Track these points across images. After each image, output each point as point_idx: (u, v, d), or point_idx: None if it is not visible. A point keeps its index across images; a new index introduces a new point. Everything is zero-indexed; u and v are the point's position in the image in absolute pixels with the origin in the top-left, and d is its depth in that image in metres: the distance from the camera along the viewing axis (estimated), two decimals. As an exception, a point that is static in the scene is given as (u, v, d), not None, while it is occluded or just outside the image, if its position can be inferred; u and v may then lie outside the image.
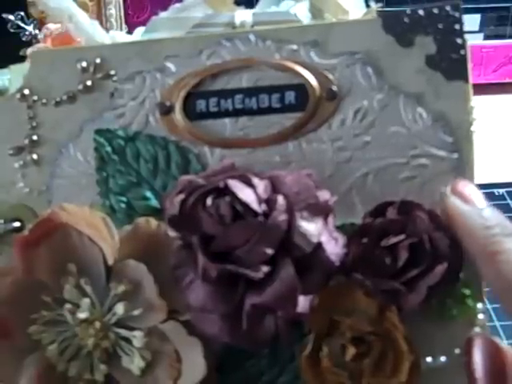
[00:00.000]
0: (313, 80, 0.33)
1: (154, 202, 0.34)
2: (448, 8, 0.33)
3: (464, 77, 0.33)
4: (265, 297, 0.29)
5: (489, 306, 0.33)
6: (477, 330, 0.32)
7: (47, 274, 0.32)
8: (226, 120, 0.34)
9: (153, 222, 0.32)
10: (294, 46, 0.34)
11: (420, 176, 0.33)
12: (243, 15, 0.37)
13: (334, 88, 0.33)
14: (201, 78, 0.34)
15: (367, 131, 0.33)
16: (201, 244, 0.29)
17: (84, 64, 0.35)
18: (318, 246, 0.29)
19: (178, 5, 0.36)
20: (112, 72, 0.35)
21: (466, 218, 0.30)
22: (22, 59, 0.37)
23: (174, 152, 0.34)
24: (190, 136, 0.34)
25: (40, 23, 0.56)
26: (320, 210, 0.29)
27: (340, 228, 0.31)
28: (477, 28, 0.96)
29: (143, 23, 0.36)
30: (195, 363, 0.31)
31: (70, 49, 0.37)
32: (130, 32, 0.38)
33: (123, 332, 0.32)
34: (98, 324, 0.32)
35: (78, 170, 0.35)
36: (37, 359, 0.32)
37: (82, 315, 0.32)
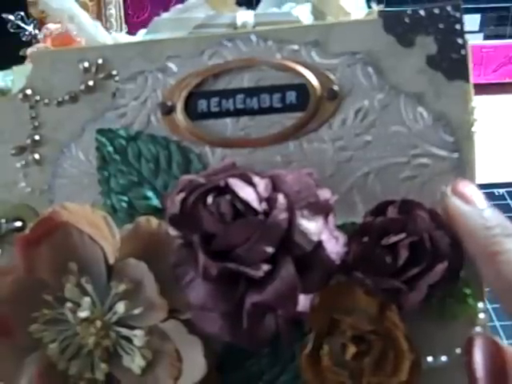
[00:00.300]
0: (314, 80, 0.33)
1: (155, 202, 0.34)
2: (449, 8, 0.33)
3: (465, 77, 0.33)
4: (265, 295, 0.29)
5: (489, 306, 0.33)
6: (477, 329, 0.32)
7: (48, 273, 0.32)
8: (228, 120, 0.34)
9: (154, 221, 0.32)
10: (295, 46, 0.34)
11: (421, 175, 0.33)
12: (245, 16, 0.37)
13: (335, 88, 0.33)
14: (202, 78, 0.34)
15: (368, 131, 0.33)
16: (201, 242, 0.29)
17: (86, 64, 0.35)
18: (319, 245, 0.29)
19: (179, 6, 0.36)
20: (114, 72, 0.35)
21: (467, 218, 0.30)
22: (22, 59, 0.37)
23: (175, 152, 0.35)
24: (192, 136, 0.34)
25: (40, 23, 0.56)
26: (320, 209, 0.29)
27: (341, 227, 0.31)
28: (477, 28, 0.96)
29: (143, 23, 0.37)
30: (195, 362, 0.31)
31: (72, 49, 0.37)
32: (129, 32, 0.39)
33: (124, 331, 0.32)
34: (98, 323, 0.32)
35: (79, 170, 0.36)
36: (37, 358, 0.32)
37: (82, 314, 0.32)
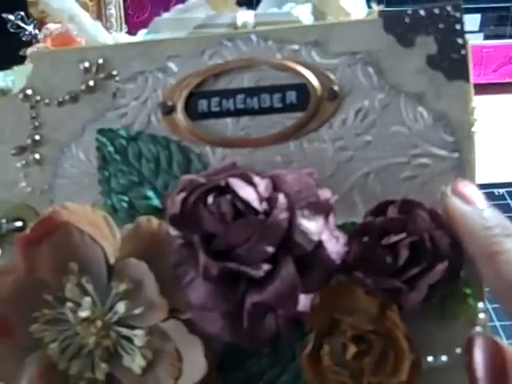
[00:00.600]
0: (314, 80, 0.33)
1: (156, 202, 0.34)
2: (449, 8, 0.33)
3: (465, 77, 0.33)
4: (265, 295, 0.29)
5: (489, 306, 0.33)
6: (478, 329, 0.32)
7: (49, 273, 0.32)
8: (228, 120, 0.34)
9: (154, 221, 0.32)
10: (296, 46, 0.34)
11: (421, 175, 0.33)
12: (245, 16, 0.37)
13: (335, 88, 0.33)
14: (203, 77, 0.34)
15: (368, 131, 0.33)
16: (202, 242, 0.29)
17: (86, 64, 0.35)
18: (319, 245, 0.29)
19: (180, 6, 0.36)
20: (114, 72, 0.35)
21: (467, 218, 0.30)
22: (22, 59, 0.37)
23: (175, 152, 0.35)
24: (192, 136, 0.34)
25: (40, 23, 0.56)
26: (321, 209, 0.29)
27: (341, 227, 0.31)
28: (477, 28, 0.96)
29: (143, 23, 0.37)
30: (196, 362, 0.31)
31: (72, 49, 0.37)
32: (129, 32, 0.39)
33: (124, 331, 0.32)
34: (99, 323, 0.32)
35: (80, 170, 0.36)
36: (38, 358, 0.32)
37: (83, 314, 0.32)
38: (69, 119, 0.35)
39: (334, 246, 0.30)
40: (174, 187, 0.32)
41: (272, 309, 0.30)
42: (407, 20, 0.33)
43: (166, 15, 0.36)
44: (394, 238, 0.30)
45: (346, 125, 0.34)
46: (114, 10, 0.58)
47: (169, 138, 0.35)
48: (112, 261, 0.32)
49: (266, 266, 0.29)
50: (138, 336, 0.31)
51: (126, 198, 0.35)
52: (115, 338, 0.32)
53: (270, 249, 0.29)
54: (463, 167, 0.33)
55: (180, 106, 0.34)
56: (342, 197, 0.33)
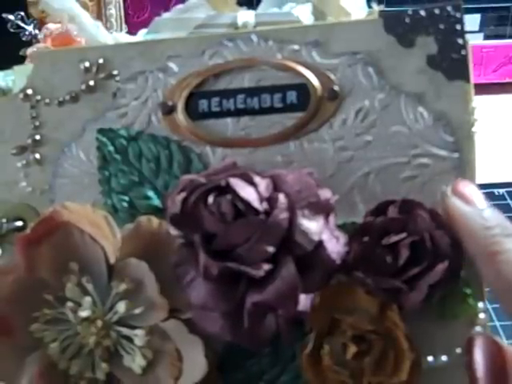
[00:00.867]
0: (314, 80, 0.33)
1: (156, 202, 0.34)
2: (449, 8, 0.33)
3: (465, 77, 0.33)
4: (266, 295, 0.29)
5: (489, 306, 0.33)
6: (478, 329, 0.32)
7: (49, 273, 0.32)
8: (228, 120, 0.34)
9: (154, 221, 0.32)
10: (296, 46, 0.34)
11: (421, 175, 0.33)
12: (245, 16, 0.37)
13: (336, 88, 0.33)
14: (203, 77, 0.34)
15: (368, 131, 0.33)
16: (202, 242, 0.29)
17: (87, 64, 0.35)
18: (319, 245, 0.29)
19: (180, 6, 0.36)
20: (114, 72, 0.35)
21: (467, 218, 0.30)
22: (22, 59, 0.37)
23: (175, 151, 0.35)
24: (192, 136, 0.34)
25: (40, 23, 0.56)
26: (321, 209, 0.29)
27: (341, 227, 0.31)
28: (477, 28, 0.96)
29: (143, 23, 0.37)
30: (196, 362, 0.31)
31: (72, 49, 0.37)
32: (129, 32, 0.39)
33: (125, 330, 0.32)
34: (99, 322, 0.32)
35: (80, 170, 0.36)
36: (38, 357, 0.32)
37: (83, 314, 0.32)
38: (69, 119, 0.35)
39: (335, 245, 0.30)
40: (175, 187, 0.32)
41: (272, 309, 0.30)
42: (407, 20, 0.33)
43: (166, 15, 0.36)
44: (394, 238, 0.30)
45: (347, 125, 0.34)
46: (114, 9, 0.58)
47: (169, 138, 0.35)
48: (112, 260, 0.32)
49: (266, 266, 0.29)
50: (139, 336, 0.31)
51: (126, 198, 0.35)
52: (115, 338, 0.32)
53: (271, 249, 0.29)
54: (463, 167, 0.33)
55: (180, 105, 0.34)
56: (343, 197, 0.33)
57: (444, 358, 0.32)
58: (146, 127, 0.35)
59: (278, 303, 0.29)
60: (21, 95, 0.36)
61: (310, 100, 0.34)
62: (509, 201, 0.78)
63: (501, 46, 0.96)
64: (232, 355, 0.33)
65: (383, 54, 0.33)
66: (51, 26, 0.40)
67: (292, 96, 0.34)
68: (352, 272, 0.30)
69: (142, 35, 0.38)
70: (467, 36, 0.33)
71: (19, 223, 0.36)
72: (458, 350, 0.32)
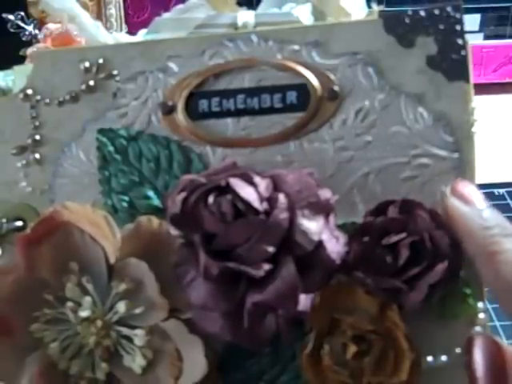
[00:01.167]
0: (314, 80, 0.33)
1: (156, 202, 0.34)
2: (449, 9, 0.33)
3: (465, 77, 0.33)
4: (266, 295, 0.29)
5: (489, 306, 0.33)
6: (477, 329, 0.32)
7: (49, 273, 0.32)
8: (228, 120, 0.34)
9: (155, 221, 0.32)
10: (296, 47, 0.34)
11: (421, 175, 0.33)
12: (245, 16, 0.37)
13: (336, 88, 0.33)
14: (203, 78, 0.34)
15: (368, 131, 0.33)
16: (202, 242, 0.29)
17: (87, 64, 0.35)
18: (319, 245, 0.29)
19: (180, 6, 0.36)
20: (115, 72, 0.35)
21: (466, 218, 0.30)
22: (22, 59, 0.37)
23: (175, 152, 0.35)
24: (192, 136, 0.34)
25: (40, 23, 0.56)
26: (321, 209, 0.29)
27: (341, 227, 0.31)
28: (477, 28, 0.97)
29: (143, 23, 0.37)
30: (196, 362, 0.31)
31: (72, 49, 0.37)
32: (129, 32, 0.39)
33: (125, 330, 0.32)
34: (99, 322, 0.32)
35: (80, 170, 0.36)
36: (38, 357, 0.32)
37: (83, 313, 0.32)
38: (69, 119, 0.35)
39: (335, 245, 0.30)
40: (175, 187, 0.32)
41: (272, 309, 0.30)
42: (407, 20, 0.33)
43: (166, 15, 0.36)
44: (394, 238, 0.30)
45: (347, 125, 0.34)
46: (114, 9, 0.58)
47: (169, 138, 0.35)
48: (112, 260, 0.32)
49: (266, 266, 0.29)
50: (139, 336, 0.31)
51: (126, 198, 0.35)
52: (115, 338, 0.32)
53: (271, 249, 0.29)
54: (463, 167, 0.33)
55: (180, 105, 0.34)
56: (343, 197, 0.33)
57: (444, 357, 0.32)
58: (146, 127, 0.35)
59: (278, 303, 0.29)
60: (21, 95, 0.36)
61: (310, 100, 0.34)
62: (509, 201, 0.78)
63: (501, 45, 0.96)
64: (232, 355, 0.33)
65: (383, 55, 0.33)
66: (51, 25, 0.40)
67: (292, 96, 0.34)
68: (352, 272, 0.30)
69: (142, 35, 0.38)
70: (467, 36, 0.33)
71: (19, 223, 0.36)
72: (458, 350, 0.32)
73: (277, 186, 0.30)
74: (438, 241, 0.30)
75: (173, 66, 0.35)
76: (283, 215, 0.29)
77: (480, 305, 0.32)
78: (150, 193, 0.35)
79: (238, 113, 0.34)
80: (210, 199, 0.29)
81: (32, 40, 0.56)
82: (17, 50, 0.43)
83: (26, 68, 0.36)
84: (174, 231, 0.30)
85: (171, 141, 0.35)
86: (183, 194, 0.30)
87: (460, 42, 0.33)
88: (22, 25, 0.56)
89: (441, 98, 0.33)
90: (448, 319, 0.32)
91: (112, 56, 0.35)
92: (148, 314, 0.31)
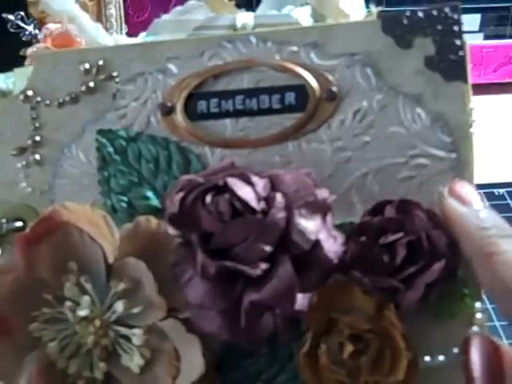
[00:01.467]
0: (313, 81, 0.34)
1: (155, 202, 0.35)
2: (447, 10, 0.33)
3: (463, 78, 0.33)
4: (263, 294, 0.29)
5: (489, 306, 0.33)
6: (475, 329, 0.32)
7: (48, 272, 0.32)
8: (227, 121, 0.35)
9: (153, 221, 0.32)
10: (295, 48, 0.34)
11: (419, 176, 0.33)
12: (245, 18, 0.37)
13: (334, 89, 0.34)
14: (202, 79, 0.34)
15: (366, 131, 0.34)
16: (200, 241, 0.29)
17: (87, 66, 0.35)
18: (317, 244, 0.29)
19: (179, 7, 0.36)
20: (114, 73, 0.35)
21: (463, 219, 0.30)
22: (23, 59, 0.37)
23: (174, 152, 0.35)
24: (191, 136, 0.35)
25: (40, 23, 0.57)
26: (318, 208, 0.29)
27: (339, 227, 0.31)
28: (477, 28, 0.96)
29: (143, 23, 0.37)
30: (193, 361, 0.31)
31: (73, 51, 0.37)
32: (130, 32, 0.39)
33: (123, 330, 0.32)
34: (97, 322, 0.32)
35: (80, 170, 0.36)
36: (37, 356, 0.32)
37: (82, 313, 0.32)
38: (69, 120, 0.36)
39: (332, 245, 0.30)
40: (173, 187, 0.32)
41: (269, 308, 0.30)
42: (405, 21, 0.33)
43: (165, 17, 0.36)
44: (391, 238, 0.30)
45: (345, 125, 0.34)
46: (114, 9, 0.58)
47: (168, 139, 0.35)
48: (111, 260, 0.32)
49: (263, 265, 0.29)
50: (137, 335, 0.32)
51: (125, 199, 0.35)
52: (114, 337, 0.32)
53: (268, 248, 0.29)
54: (461, 167, 0.33)
55: (179, 106, 0.35)
56: (341, 197, 0.33)
57: (441, 357, 0.32)
58: (146, 128, 0.35)
59: (275, 302, 0.29)
60: (21, 96, 0.36)
61: (309, 101, 0.34)
62: (509, 201, 0.78)
63: (501, 45, 0.96)
64: (230, 355, 0.33)
65: (381, 55, 0.33)
66: (51, 25, 0.40)
67: (290, 97, 0.34)
68: (349, 271, 0.30)
69: (142, 37, 0.39)
70: (465, 37, 0.33)
71: (19, 223, 0.36)
72: (456, 350, 0.32)
73: (274, 185, 0.30)
74: (435, 240, 0.30)
75: (172, 67, 0.35)
76: (280, 214, 0.29)
77: (477, 305, 0.32)
78: (149, 193, 0.35)
79: (236, 113, 0.34)
80: (208, 199, 0.29)
81: (32, 40, 0.56)
82: (17, 50, 0.43)
83: (27, 70, 0.37)
84: (172, 231, 0.30)
85: (170, 141, 0.35)
86: (181, 194, 0.30)
87: (458, 42, 0.33)
88: (22, 25, 0.56)
89: (439, 98, 0.33)
90: (445, 319, 0.32)
91: (112, 57, 0.35)
92: (146, 314, 0.32)
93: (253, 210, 0.29)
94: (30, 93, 0.36)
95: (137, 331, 0.32)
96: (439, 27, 0.33)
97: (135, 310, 0.31)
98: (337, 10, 0.39)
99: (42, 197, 0.36)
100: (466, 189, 0.31)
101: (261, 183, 0.30)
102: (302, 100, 0.34)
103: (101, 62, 0.35)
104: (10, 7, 0.57)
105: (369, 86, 0.34)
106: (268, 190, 0.30)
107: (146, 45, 0.36)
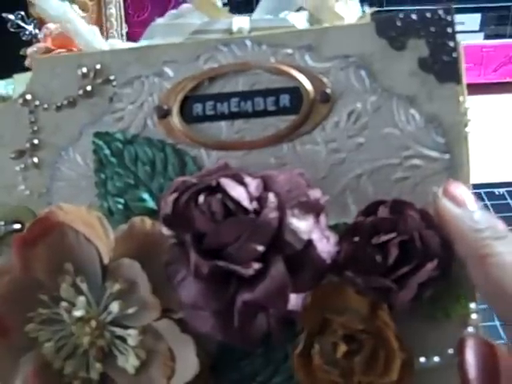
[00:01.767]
0: (307, 83, 0.34)
1: (151, 204, 0.35)
2: (440, 12, 0.33)
3: (456, 79, 0.33)
4: (256, 294, 0.29)
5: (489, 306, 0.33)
6: (470, 329, 0.32)
7: (44, 273, 0.33)
8: (222, 123, 0.35)
9: (147, 222, 0.32)
10: (289, 50, 0.34)
11: (413, 177, 0.33)
12: (241, 22, 0.38)
13: (328, 91, 0.34)
14: (197, 81, 0.35)
15: (361, 133, 0.34)
16: (193, 241, 0.29)
17: (84, 70, 0.36)
18: (309, 244, 0.29)
19: (173, 11, 0.36)
20: (111, 77, 0.36)
21: (457, 220, 0.30)
22: (22, 58, 0.37)
23: (170, 155, 0.35)
24: (187, 139, 0.35)
25: (40, 23, 0.57)
26: (311, 208, 0.30)
27: (334, 228, 0.32)
28: (477, 28, 0.96)
29: (143, 23, 0.37)
30: (188, 361, 0.31)
31: (71, 55, 0.38)
32: (130, 32, 0.39)
33: (118, 330, 0.32)
34: (93, 322, 0.32)
35: (77, 173, 0.36)
36: (33, 357, 0.33)
37: (77, 313, 0.32)
38: (66, 123, 0.36)
39: (325, 245, 0.30)
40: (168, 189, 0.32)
41: (263, 307, 0.30)
42: (399, 23, 0.33)
43: (160, 21, 0.36)
44: (384, 238, 0.30)
45: (339, 127, 0.34)
46: (114, 9, 0.58)
47: (164, 141, 0.35)
48: (106, 261, 0.32)
49: (256, 265, 0.29)
50: (132, 335, 0.32)
51: (121, 201, 0.35)
52: (109, 338, 0.32)
53: (260, 248, 0.29)
54: (455, 168, 0.33)
55: (175, 109, 0.35)
56: (335, 198, 0.33)
57: (436, 358, 0.32)
58: (142, 131, 0.35)
59: (268, 302, 0.29)
60: (20, 100, 0.36)
61: (303, 103, 0.34)
62: (509, 200, 0.78)
63: (501, 45, 0.96)
64: (225, 356, 0.33)
65: (375, 57, 0.33)
66: (51, 25, 0.40)
67: (285, 99, 0.34)
68: (342, 272, 0.30)
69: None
70: (462, 37, 0.33)
71: (17, 226, 0.36)
72: (450, 351, 0.32)
73: (267, 185, 0.30)
74: (428, 240, 0.30)
75: (168, 70, 0.35)
76: (273, 214, 0.29)
77: (472, 305, 0.32)
78: (145, 195, 0.35)
79: (231, 116, 0.35)
80: (201, 199, 0.30)
81: (32, 39, 0.56)
82: (17, 50, 0.43)
83: (26, 76, 0.37)
84: (166, 231, 0.31)
85: (166, 144, 0.35)
86: (175, 195, 0.30)
87: (451, 44, 0.33)
88: (22, 24, 0.57)
89: (432, 99, 0.33)
90: (440, 320, 0.32)
91: (109, 62, 0.36)
92: (141, 314, 0.32)
93: (245, 210, 0.29)
94: (28, 97, 0.36)
95: (132, 332, 0.32)
96: (433, 29, 0.33)
97: (130, 311, 0.32)
98: (333, 14, 0.40)
99: (40, 199, 0.36)
100: (460, 190, 0.31)
101: (253, 183, 0.30)
102: (296, 102, 0.34)
103: (98, 66, 0.36)
104: (10, 7, 0.58)
105: (363, 88, 0.34)
106: (260, 190, 0.30)
107: (142, 49, 0.36)
